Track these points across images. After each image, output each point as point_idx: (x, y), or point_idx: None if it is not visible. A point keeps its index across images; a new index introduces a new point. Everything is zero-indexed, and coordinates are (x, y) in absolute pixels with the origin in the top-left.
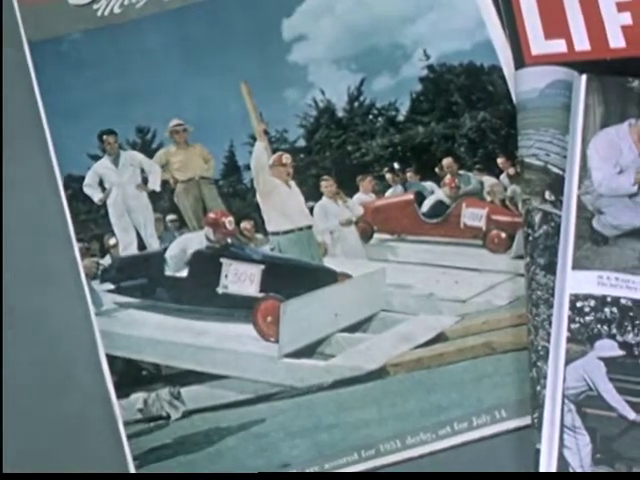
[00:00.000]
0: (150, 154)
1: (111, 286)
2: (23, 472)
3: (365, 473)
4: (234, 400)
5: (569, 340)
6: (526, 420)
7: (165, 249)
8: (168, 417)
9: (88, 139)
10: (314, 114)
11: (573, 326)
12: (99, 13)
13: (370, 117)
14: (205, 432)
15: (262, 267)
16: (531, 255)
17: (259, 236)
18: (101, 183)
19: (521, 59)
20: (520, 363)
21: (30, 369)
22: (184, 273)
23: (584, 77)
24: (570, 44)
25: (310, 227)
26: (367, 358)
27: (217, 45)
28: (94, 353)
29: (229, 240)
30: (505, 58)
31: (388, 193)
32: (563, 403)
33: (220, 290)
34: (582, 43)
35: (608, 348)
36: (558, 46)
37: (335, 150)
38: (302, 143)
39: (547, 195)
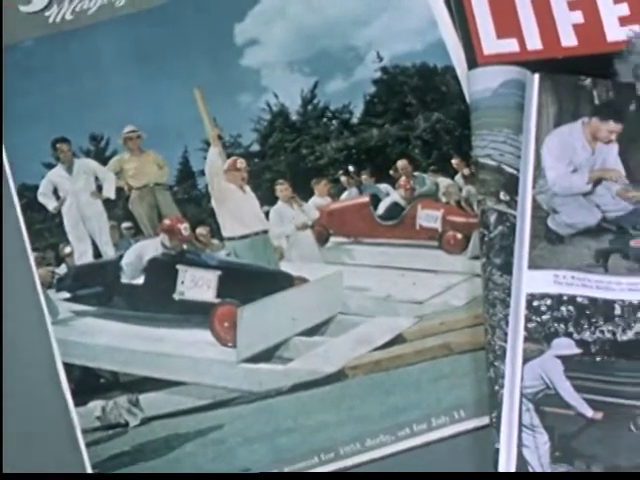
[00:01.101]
0: (104, 161)
1: (67, 295)
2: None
3: (363, 473)
4: (192, 406)
5: (526, 339)
6: (485, 420)
7: (121, 257)
8: (126, 424)
9: (42, 147)
10: (268, 118)
11: (530, 325)
12: (51, 20)
13: (324, 120)
14: (164, 439)
15: (218, 273)
16: (487, 255)
17: (215, 242)
18: (55, 192)
19: (474, 59)
20: (478, 363)
21: None
22: (140, 280)
23: (537, 76)
24: (522, 43)
25: (266, 232)
26: (325, 361)
27: (170, 51)
28: (51, 362)
29: (185, 246)
30: (458, 58)
31: (343, 196)
32: (521, 402)
33: (177, 296)
34: (534, 42)
35: (565, 346)
36: (510, 45)
37: (289, 154)
38: (256, 147)
39: (502, 195)
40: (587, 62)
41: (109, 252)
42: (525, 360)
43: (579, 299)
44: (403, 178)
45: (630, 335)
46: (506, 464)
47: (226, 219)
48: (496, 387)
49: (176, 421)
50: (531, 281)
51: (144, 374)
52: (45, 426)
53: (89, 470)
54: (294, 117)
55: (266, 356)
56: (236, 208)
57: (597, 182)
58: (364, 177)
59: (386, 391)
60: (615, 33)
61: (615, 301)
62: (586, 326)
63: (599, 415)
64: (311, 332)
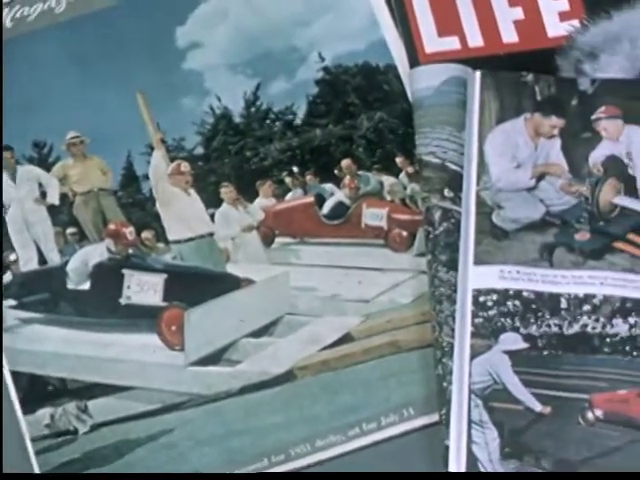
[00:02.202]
0: (48, 168)
1: (13, 302)
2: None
3: (360, 473)
4: (142, 411)
5: (473, 335)
6: (434, 417)
7: (66, 262)
8: (76, 431)
9: None
10: (211, 121)
11: (477, 321)
12: None
13: (267, 122)
14: (114, 445)
15: (164, 276)
16: (433, 252)
17: (160, 245)
18: None
19: (415, 57)
20: (426, 360)
21: None
22: (86, 286)
23: (478, 73)
24: (463, 41)
25: (211, 234)
26: (274, 362)
27: (111, 56)
28: None
29: (130, 251)
30: (400, 57)
31: (288, 197)
32: (470, 398)
33: (123, 301)
34: (475, 39)
35: (512, 341)
36: (451, 43)
37: (233, 156)
38: (200, 150)
39: (446, 192)
40: (528, 58)
41: (54, 258)
42: (473, 356)
43: (525, 294)
44: (347, 177)
45: (576, 328)
46: (456, 461)
47: (171, 222)
48: (444, 384)
49: (126, 426)
50: (477, 277)
51: (92, 380)
52: None
53: None
54: (237, 119)
55: (214, 359)
56: (181, 211)
57: (540, 177)
58: (308, 177)
59: (335, 391)
60: (555, 28)
61: (561, 295)
62: (532, 320)
63: (548, 409)
64: (259, 333)
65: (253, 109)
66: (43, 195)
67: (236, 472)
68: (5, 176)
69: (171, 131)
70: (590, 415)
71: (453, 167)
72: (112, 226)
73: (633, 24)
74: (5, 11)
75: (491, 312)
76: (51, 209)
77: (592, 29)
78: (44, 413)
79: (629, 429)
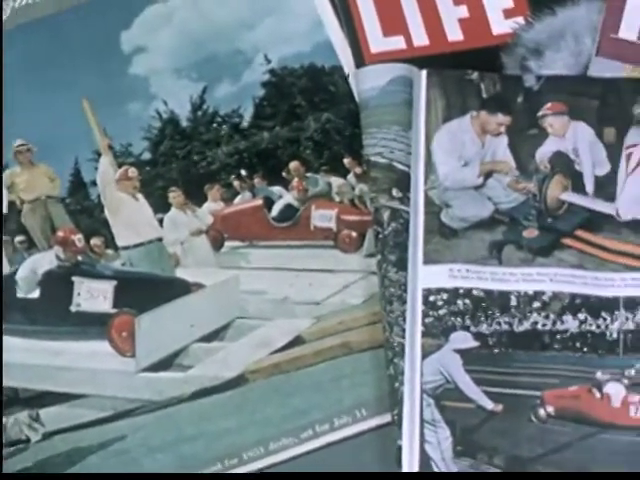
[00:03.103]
0: None
1: None
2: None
3: (359, 473)
4: (94, 418)
5: (424, 335)
6: (387, 417)
7: (15, 271)
8: (28, 440)
9: None
10: (158, 126)
11: (427, 320)
12: None
13: (214, 125)
14: (66, 453)
15: (114, 283)
16: (382, 252)
17: (109, 252)
18: None
19: (361, 58)
20: (378, 361)
21: None
22: (36, 294)
23: (424, 72)
24: (409, 40)
25: (160, 239)
26: (225, 367)
27: (57, 62)
28: None
29: (79, 258)
30: (345, 58)
31: (237, 200)
32: (422, 398)
33: (73, 308)
34: (420, 38)
35: (462, 340)
36: (397, 43)
37: (181, 160)
38: (147, 156)
39: (394, 192)
40: (474, 56)
41: (3, 267)
42: (424, 355)
43: (475, 292)
44: (296, 179)
45: (526, 326)
46: (409, 461)
47: (120, 228)
48: (396, 384)
49: (78, 434)
50: (426, 276)
51: (44, 388)
52: None
53: None
54: (184, 123)
55: (165, 364)
56: (129, 217)
57: (488, 175)
58: (256, 180)
59: (287, 393)
60: (500, 26)
61: (510, 292)
62: (483, 319)
63: (499, 407)
64: (210, 338)
65: (200, 113)
66: None
67: None
68: None
69: (118, 137)
70: (542, 412)
71: (400, 167)
72: (61, 233)
73: (577, 20)
74: None
75: (441, 311)
76: None
77: (536, 26)
78: None
79: (580, 425)
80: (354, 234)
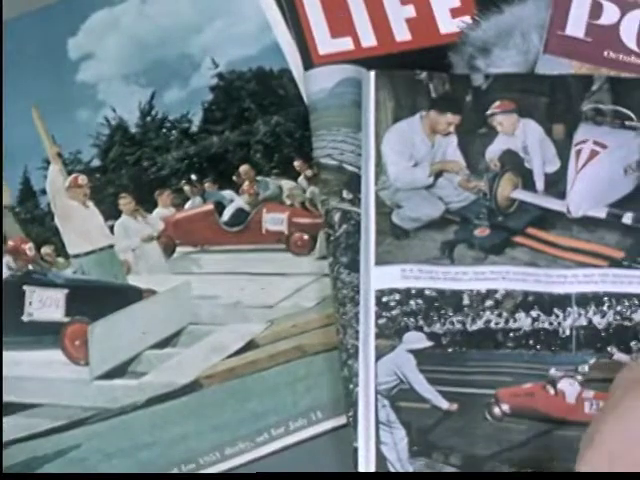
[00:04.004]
0: None
1: None
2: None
3: (361, 473)
4: (49, 427)
5: (377, 336)
6: (342, 419)
7: None
8: None
9: None
10: (107, 132)
11: (380, 321)
12: None
13: (164, 131)
14: (22, 462)
15: (66, 291)
16: (334, 254)
17: (61, 260)
18: None
19: (309, 60)
20: (332, 363)
21: None
22: None
23: (372, 73)
24: (357, 41)
25: (111, 246)
26: (179, 373)
27: (6, 70)
28: None
29: (30, 267)
30: (294, 60)
31: (187, 205)
32: (376, 399)
33: (25, 318)
34: (368, 39)
35: (416, 340)
36: (345, 44)
37: (131, 167)
38: (97, 163)
39: (345, 194)
40: (422, 56)
41: None
42: (378, 357)
43: (427, 292)
44: (246, 183)
45: (479, 324)
46: (365, 462)
47: (71, 236)
48: (351, 386)
49: (34, 444)
50: (379, 277)
51: (6, 400)
52: None
53: None
54: (133, 130)
55: (119, 372)
56: (80, 225)
57: (438, 174)
58: (207, 185)
59: (242, 398)
60: (447, 25)
61: (463, 291)
62: (436, 318)
63: (454, 406)
64: (163, 344)
65: (149, 119)
66: None
67: None
68: None
69: (67, 144)
70: (497, 410)
71: (351, 168)
72: (11, 243)
73: (524, 18)
74: None
75: (394, 312)
76: None
77: (484, 24)
78: None
79: (535, 422)
80: (306, 237)
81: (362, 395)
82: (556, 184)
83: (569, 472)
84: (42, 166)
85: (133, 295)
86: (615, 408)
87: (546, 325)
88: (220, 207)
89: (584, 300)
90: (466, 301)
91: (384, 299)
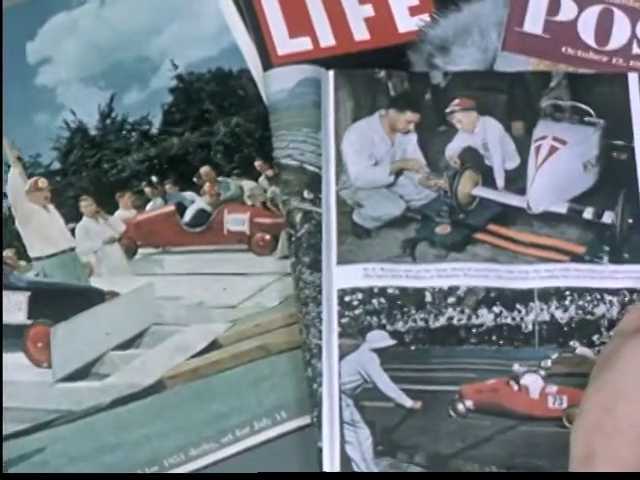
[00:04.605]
0: None
1: None
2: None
3: (360, 473)
4: (13, 431)
5: (341, 335)
6: (307, 419)
7: None
8: None
9: None
10: (67, 135)
11: (343, 321)
12: None
13: (124, 133)
14: None
15: (28, 294)
16: (296, 255)
17: (22, 263)
18: None
19: (268, 60)
20: (296, 362)
21: None
22: None
23: (331, 73)
24: (315, 41)
25: (73, 249)
26: (143, 374)
27: None
28: None
29: None
30: (253, 61)
31: (148, 207)
32: (340, 399)
33: None
34: (327, 39)
35: (379, 339)
36: (303, 44)
37: (91, 169)
38: (57, 166)
39: (306, 194)
40: (381, 54)
41: None
42: (341, 356)
43: (390, 290)
44: (207, 184)
45: (442, 321)
46: (330, 462)
47: (32, 239)
48: (315, 386)
49: None
50: (341, 277)
51: None
52: None
53: None
54: (93, 132)
55: (83, 374)
56: (41, 228)
57: (399, 173)
58: (168, 186)
59: (206, 398)
60: (406, 24)
61: (425, 289)
62: (399, 316)
63: (418, 404)
64: (126, 345)
65: (108, 121)
66: None
67: None
68: None
69: (27, 148)
70: (461, 406)
71: (311, 168)
72: None
73: (482, 15)
74: None
75: (357, 311)
76: None
77: (442, 22)
78: None
79: (499, 418)
80: (267, 237)
81: (326, 395)
82: (516, 180)
83: (567, 472)
84: (2, 170)
85: (95, 297)
86: (593, 380)
87: (509, 321)
88: (181, 208)
89: (546, 295)
90: (428, 298)
91: (347, 298)
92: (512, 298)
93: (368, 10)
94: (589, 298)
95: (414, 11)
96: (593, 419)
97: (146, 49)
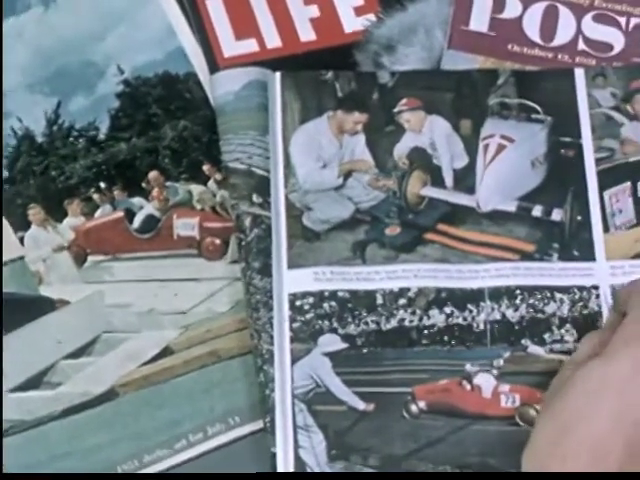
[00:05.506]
0: None
1: None
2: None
3: (359, 473)
4: None
5: (292, 340)
6: (260, 424)
7: None
8: None
9: None
10: (13, 143)
11: (295, 325)
12: None
13: (71, 139)
14: None
15: None
16: (246, 260)
17: None
18: None
19: (215, 63)
20: (247, 367)
21: None
22: None
23: (278, 75)
24: (261, 42)
25: (22, 258)
26: (95, 382)
27: None
28: None
29: None
30: (199, 64)
31: (97, 214)
32: (293, 404)
33: None
34: (273, 40)
35: (331, 343)
36: (249, 46)
37: (39, 177)
38: (5, 174)
39: (254, 198)
40: (328, 55)
41: None
42: (293, 361)
43: (340, 293)
44: (156, 189)
45: (394, 323)
46: (284, 467)
47: None
48: (267, 391)
49: None
50: (292, 281)
51: None
52: None
53: None
54: (40, 139)
55: (34, 383)
56: None
57: (348, 175)
58: (116, 192)
59: (158, 405)
60: (352, 24)
61: (376, 291)
62: (350, 319)
63: (371, 407)
64: (78, 354)
65: (55, 128)
66: None
67: None
68: None
69: None
70: (414, 407)
71: (260, 172)
72: None
73: (427, 14)
74: None
75: (308, 315)
76: None
77: (388, 22)
78: None
79: (452, 418)
80: (217, 241)
81: (279, 400)
82: (465, 179)
83: (520, 472)
84: None
85: (46, 306)
86: (546, 407)
87: (460, 321)
88: (130, 214)
89: (497, 294)
90: (379, 301)
91: (297, 303)
92: (463, 298)
93: (314, 11)
94: (539, 296)
95: (359, 11)
96: (547, 443)
97: (91, 54)
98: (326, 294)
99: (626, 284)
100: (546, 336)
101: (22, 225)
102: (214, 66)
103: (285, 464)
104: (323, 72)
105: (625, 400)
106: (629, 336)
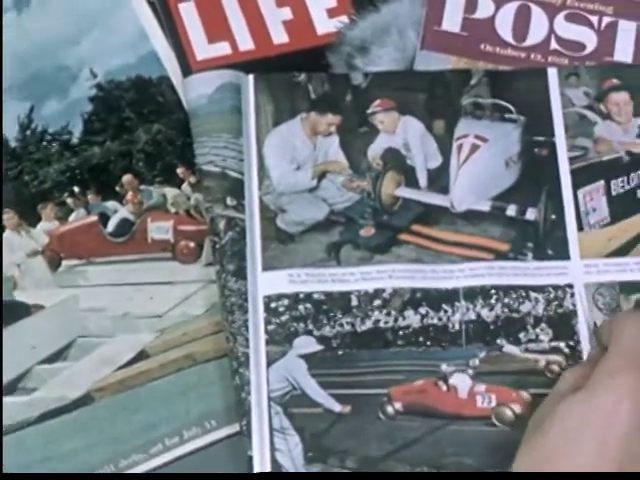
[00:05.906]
0: None
1: None
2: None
3: (358, 473)
4: None
5: (268, 342)
6: (237, 427)
7: None
8: None
9: None
10: None
11: (270, 328)
12: None
13: (44, 144)
14: None
15: None
16: (220, 262)
17: None
18: None
19: (188, 66)
20: (223, 370)
21: None
22: None
23: (251, 77)
24: (234, 45)
25: None
26: (70, 386)
27: None
28: None
29: None
30: (172, 67)
31: (71, 218)
32: (269, 407)
33: None
34: (246, 43)
35: (306, 345)
36: (222, 49)
37: (12, 181)
38: None
39: (228, 201)
40: (301, 57)
41: None
42: (269, 363)
43: (315, 295)
44: (130, 193)
45: (369, 324)
46: (260, 470)
47: None
48: (243, 394)
49: None
50: (266, 283)
51: None
52: None
53: None
54: (13, 144)
55: (9, 389)
56: None
57: (322, 176)
58: (90, 196)
59: (134, 409)
60: (324, 26)
61: (351, 292)
62: (325, 321)
63: (347, 409)
64: (53, 359)
65: (28, 132)
66: None
67: None
68: None
69: None
70: (390, 409)
71: (233, 174)
72: None
73: (400, 15)
74: None
75: (283, 317)
76: None
77: (360, 23)
78: None
79: (429, 418)
80: (192, 244)
81: (255, 403)
82: (439, 180)
83: (497, 472)
84: None
85: (20, 311)
86: (528, 439)
87: (435, 321)
88: (104, 218)
89: (472, 294)
90: (354, 302)
91: (272, 305)
92: (438, 298)
93: (286, 13)
94: (514, 296)
95: (332, 13)
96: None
97: (64, 58)
98: (301, 296)
99: (607, 319)
100: (521, 335)
101: None
102: (187, 69)
103: (262, 467)
104: (296, 74)
105: (606, 436)
106: (611, 369)
